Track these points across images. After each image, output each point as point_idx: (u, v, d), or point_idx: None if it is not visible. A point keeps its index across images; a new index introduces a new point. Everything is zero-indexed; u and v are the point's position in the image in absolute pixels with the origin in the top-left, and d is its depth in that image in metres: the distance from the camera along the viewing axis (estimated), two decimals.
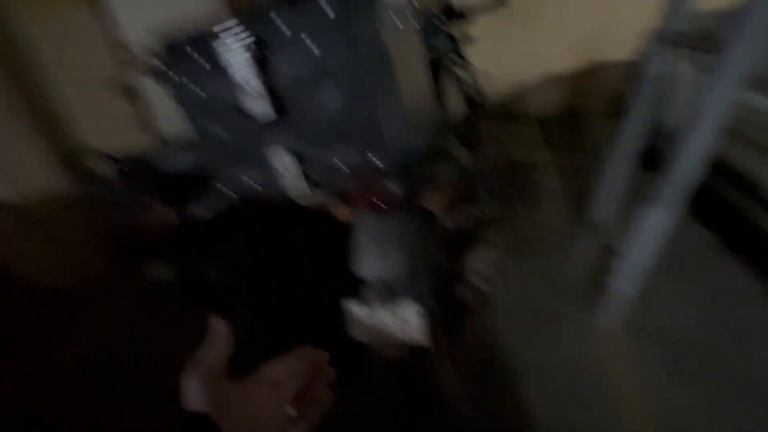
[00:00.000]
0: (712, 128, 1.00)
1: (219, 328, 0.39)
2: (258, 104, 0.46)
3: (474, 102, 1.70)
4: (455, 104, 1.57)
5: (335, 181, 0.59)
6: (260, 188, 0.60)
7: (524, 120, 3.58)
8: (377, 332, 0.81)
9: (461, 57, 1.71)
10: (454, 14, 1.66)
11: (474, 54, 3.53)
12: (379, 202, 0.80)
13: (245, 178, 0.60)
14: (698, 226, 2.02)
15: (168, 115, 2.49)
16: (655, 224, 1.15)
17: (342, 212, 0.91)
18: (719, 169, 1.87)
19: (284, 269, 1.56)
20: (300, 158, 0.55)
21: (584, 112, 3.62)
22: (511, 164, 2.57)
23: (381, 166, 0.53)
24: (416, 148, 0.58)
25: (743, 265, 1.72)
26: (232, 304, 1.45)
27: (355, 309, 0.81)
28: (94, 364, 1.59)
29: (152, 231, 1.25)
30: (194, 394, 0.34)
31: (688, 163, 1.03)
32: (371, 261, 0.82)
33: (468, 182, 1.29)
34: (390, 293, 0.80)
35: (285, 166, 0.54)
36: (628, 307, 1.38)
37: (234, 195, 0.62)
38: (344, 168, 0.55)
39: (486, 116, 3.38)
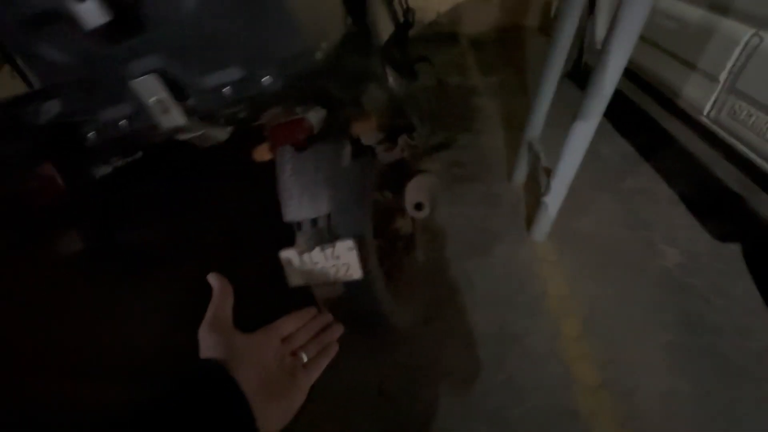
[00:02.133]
0: (630, 36, 0.99)
1: (216, 284, 0.41)
2: (84, 4, 0.34)
3: (403, 19, 1.54)
4: (382, 21, 1.41)
5: (223, 109, 0.48)
6: (127, 125, 0.49)
7: (457, 40, 3.44)
8: (313, 275, 0.77)
9: None
10: None
11: None
12: (293, 134, 0.71)
13: (105, 114, 0.48)
14: (615, 137, 2.17)
15: None
16: (580, 137, 1.19)
17: (259, 151, 0.81)
18: (633, 77, 1.97)
19: (206, 221, 1.44)
20: (171, 82, 0.43)
21: (518, 28, 3.55)
22: (445, 87, 2.51)
23: (273, 86, 0.43)
24: (322, 64, 0.49)
25: (654, 170, 1.91)
26: (157, 264, 1.34)
27: (289, 256, 0.76)
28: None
29: (38, 198, 1.04)
30: (207, 344, 0.36)
31: (609, 74, 1.04)
32: (297, 203, 0.76)
33: (400, 108, 1.21)
34: (320, 235, 0.75)
35: (151, 93, 0.43)
36: (556, 218, 1.48)
37: (98, 137, 0.50)
38: (229, 92, 0.45)
39: (415, 36, 3.19)
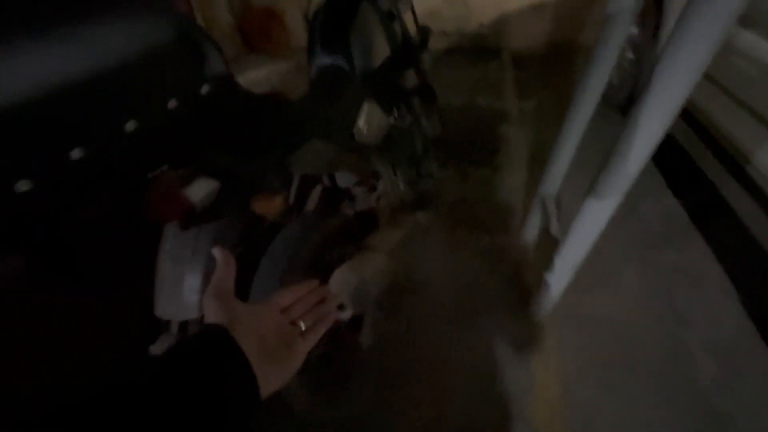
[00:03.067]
0: (672, 103, 0.72)
1: (219, 256, 0.43)
2: None
3: (404, 44, 1.33)
4: (379, 48, 1.21)
5: None
6: None
7: (499, 55, 3.12)
8: None
9: None
10: None
11: None
12: (165, 210, 0.56)
13: None
14: (662, 191, 1.80)
15: None
16: (593, 217, 0.93)
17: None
18: (692, 121, 1.61)
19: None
20: None
21: (571, 45, 3.16)
22: (446, 129, 2.23)
23: None
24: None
25: (706, 243, 1.55)
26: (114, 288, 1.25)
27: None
28: None
29: None
30: (211, 310, 0.39)
31: (635, 150, 0.77)
32: (166, 297, 0.60)
33: (368, 154, 1.02)
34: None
35: None
36: (561, 296, 1.21)
37: None
38: None
39: (452, 48, 2.92)
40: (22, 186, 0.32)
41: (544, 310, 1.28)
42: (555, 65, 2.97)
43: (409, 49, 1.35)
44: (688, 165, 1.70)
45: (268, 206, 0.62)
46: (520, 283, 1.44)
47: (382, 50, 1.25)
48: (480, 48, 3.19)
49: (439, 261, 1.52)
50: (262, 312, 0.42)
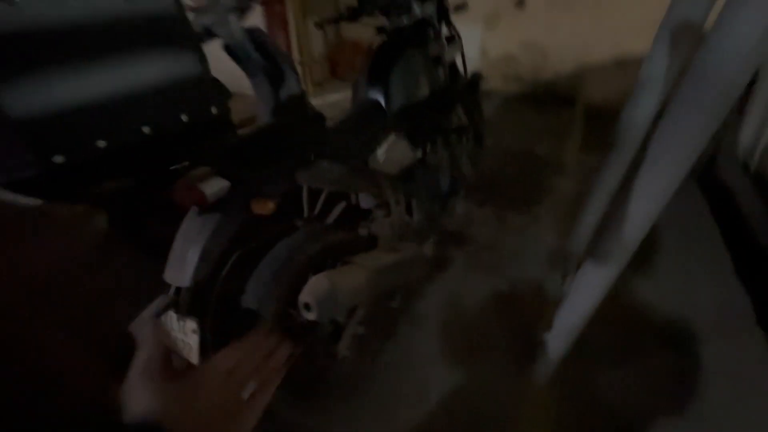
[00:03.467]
0: (685, 154, 0.67)
1: (142, 333, 0.40)
2: None
3: (447, 86, 1.42)
4: (421, 89, 1.32)
5: None
6: None
7: (572, 105, 3.03)
8: (169, 338, 0.75)
9: (448, 24, 1.41)
10: None
11: (524, 22, 3.01)
12: (179, 197, 0.71)
13: None
14: (733, 282, 1.58)
15: None
16: (590, 283, 0.89)
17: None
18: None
19: None
20: None
21: None
22: (523, 159, 2.21)
23: None
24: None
25: None
26: None
27: (149, 315, 0.75)
28: None
29: None
30: (139, 396, 0.34)
31: (633, 221, 0.74)
32: (173, 264, 0.75)
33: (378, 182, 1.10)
34: (176, 305, 0.72)
35: None
36: (563, 363, 1.14)
37: None
38: None
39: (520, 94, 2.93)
40: (58, 159, 0.46)
41: (544, 374, 1.20)
42: None
43: (453, 91, 1.44)
44: (763, 255, 1.48)
45: (263, 208, 0.74)
46: (529, 339, 1.37)
47: (425, 91, 1.35)
48: (553, 97, 3.14)
49: (448, 297, 1.52)
50: (199, 385, 0.38)
